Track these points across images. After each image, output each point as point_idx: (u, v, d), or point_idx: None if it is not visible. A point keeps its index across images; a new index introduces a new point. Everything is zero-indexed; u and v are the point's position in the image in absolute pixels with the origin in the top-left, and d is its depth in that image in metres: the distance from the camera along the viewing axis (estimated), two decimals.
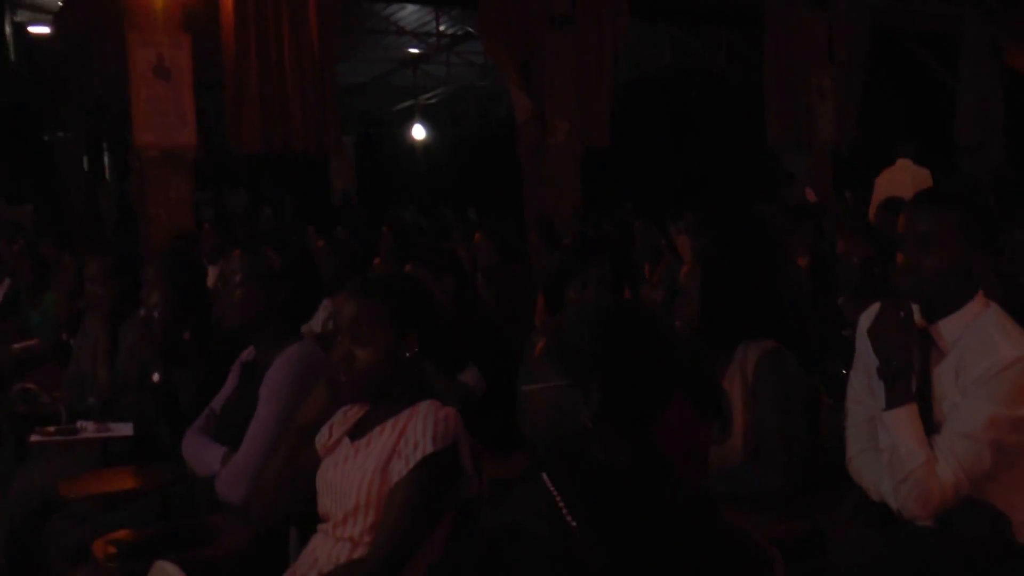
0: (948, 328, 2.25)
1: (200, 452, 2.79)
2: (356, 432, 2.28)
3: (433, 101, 18.94)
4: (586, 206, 10.99)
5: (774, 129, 11.22)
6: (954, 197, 2.29)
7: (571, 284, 3.17)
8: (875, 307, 2.34)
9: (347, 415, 2.35)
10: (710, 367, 2.63)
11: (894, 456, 2.18)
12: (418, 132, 19.09)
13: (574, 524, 1.32)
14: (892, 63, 11.88)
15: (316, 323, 4.36)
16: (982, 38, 11.56)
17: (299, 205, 16.18)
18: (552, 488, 1.36)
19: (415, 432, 2.15)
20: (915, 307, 2.27)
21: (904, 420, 2.18)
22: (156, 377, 3.04)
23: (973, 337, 2.20)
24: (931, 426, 2.20)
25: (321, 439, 2.35)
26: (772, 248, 4.46)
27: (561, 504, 1.33)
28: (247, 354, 2.91)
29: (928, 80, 12.52)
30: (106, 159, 15.45)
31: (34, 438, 3.27)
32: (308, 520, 2.33)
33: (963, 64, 11.88)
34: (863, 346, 2.37)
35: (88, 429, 3.27)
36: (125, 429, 3.23)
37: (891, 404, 2.20)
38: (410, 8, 13.74)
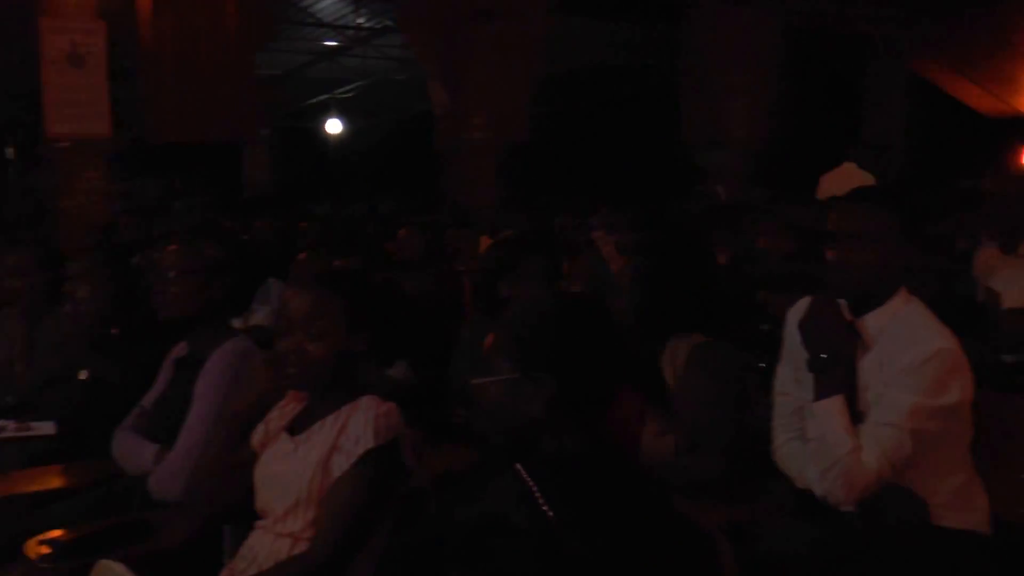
0: (873, 322, 2.35)
1: (132, 450, 2.74)
2: (295, 427, 2.28)
3: (350, 95, 18.75)
4: (508, 201, 11.03)
5: (689, 126, 11.43)
6: (883, 196, 2.41)
7: (505, 279, 3.20)
8: (803, 302, 2.44)
9: (284, 410, 2.34)
10: (656, 360, 2.70)
11: (822, 444, 2.27)
12: (334, 126, 18.89)
13: (550, 513, 1.35)
14: (808, 63, 12.19)
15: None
16: (890, 44, 11.97)
17: (213, 198, 15.86)
18: (527, 479, 1.39)
19: (356, 427, 2.15)
20: (842, 301, 2.37)
21: (833, 410, 2.27)
22: (84, 374, 2.97)
23: (897, 330, 2.31)
24: (856, 415, 2.29)
25: (257, 434, 2.34)
26: (702, 244, 4.57)
27: (537, 494, 1.37)
28: (179, 349, 2.87)
29: (840, 81, 12.89)
30: (8, 150, 14.89)
31: None
32: (244, 516, 2.32)
33: (870, 68, 12.29)
34: (791, 339, 2.46)
35: (8, 428, 3.17)
36: (47, 428, 3.15)
37: (821, 395, 2.29)
38: (328, 0, 13.61)
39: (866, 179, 8.56)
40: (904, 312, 2.34)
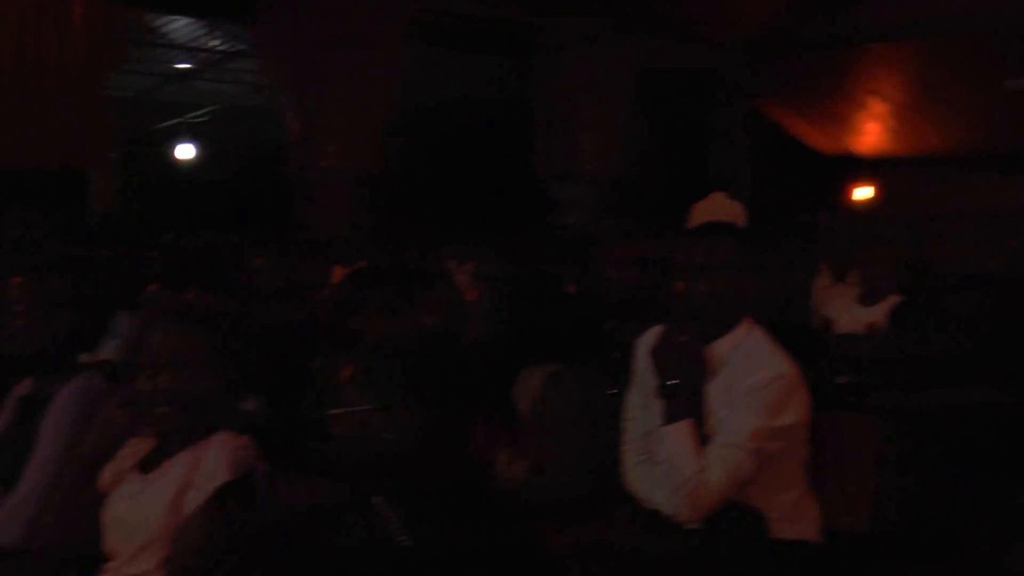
0: (719, 349, 2.48)
1: None
2: (146, 465, 2.23)
3: (203, 119, 18.30)
4: (363, 231, 10.97)
5: (543, 158, 11.67)
6: (728, 228, 2.56)
7: (358, 312, 3.21)
8: (653, 331, 2.56)
9: (135, 448, 2.29)
10: (508, 389, 2.76)
11: (671, 466, 2.38)
12: (185, 151, 18.39)
13: (406, 542, 1.38)
14: (658, 100, 12.63)
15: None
16: (734, 83, 12.57)
17: (56, 227, 15.11)
18: (383, 509, 1.42)
19: (210, 462, 2.13)
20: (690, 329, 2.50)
21: (681, 434, 2.39)
22: None
23: (741, 357, 2.45)
24: (703, 437, 2.41)
25: (107, 474, 2.28)
26: (554, 275, 4.69)
27: (392, 523, 1.40)
28: (24, 387, 2.75)
29: (688, 118, 13.41)
30: None
31: None
32: (91, 560, 2.24)
33: (716, 106, 12.87)
34: (641, 367, 2.57)
35: None
36: None
37: (670, 419, 2.41)
38: (181, 21, 13.25)
39: (735, 208, 8.91)
40: (748, 340, 2.48)
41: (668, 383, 2.42)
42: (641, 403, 2.58)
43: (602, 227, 9.02)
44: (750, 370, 2.39)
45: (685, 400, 2.41)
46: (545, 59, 11.67)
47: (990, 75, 14.04)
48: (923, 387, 3.63)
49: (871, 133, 13.62)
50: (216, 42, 14.02)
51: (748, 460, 2.35)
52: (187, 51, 14.32)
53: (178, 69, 15.36)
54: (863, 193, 14.04)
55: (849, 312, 4.71)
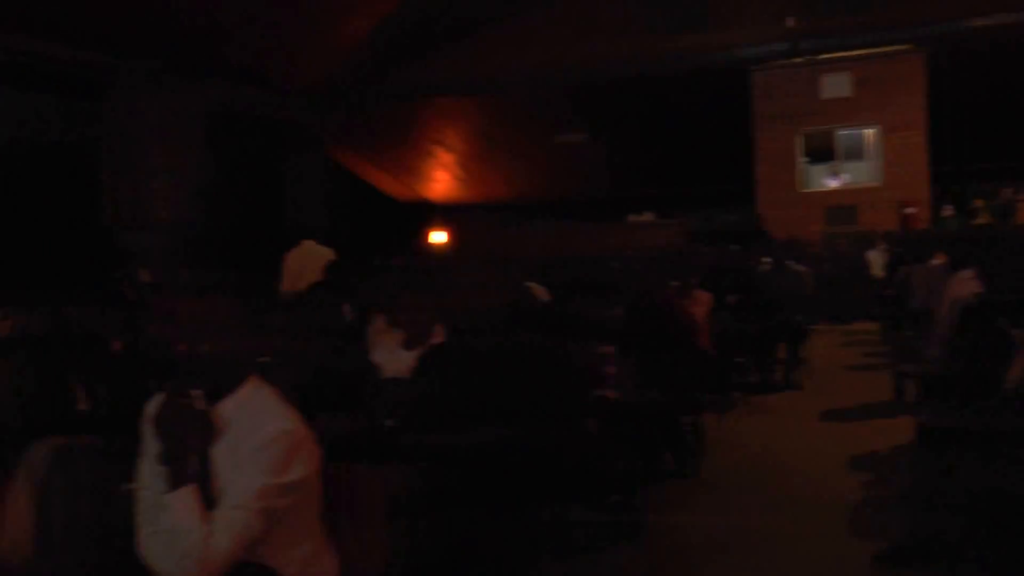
0: (225, 410, 2.51)
1: None
2: None
3: None
4: None
5: (113, 206, 11.09)
6: (220, 287, 2.60)
7: None
8: (158, 395, 2.53)
9: None
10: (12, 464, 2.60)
11: (176, 534, 2.36)
12: None
13: None
14: (233, 147, 12.48)
15: None
16: (307, 131, 12.78)
17: None
18: None
19: None
20: (199, 392, 2.50)
21: (184, 500, 2.37)
22: None
23: (246, 416, 2.49)
24: (210, 503, 2.42)
25: None
26: (94, 334, 4.47)
27: None
28: None
29: (264, 164, 13.41)
30: None
31: None
32: None
33: (290, 153, 13.00)
34: (147, 433, 2.54)
35: None
36: None
37: (172, 486, 2.39)
38: None
39: (325, 254, 8.95)
40: (253, 399, 2.53)
41: (169, 448, 2.41)
42: (150, 471, 2.54)
43: (167, 278, 8.73)
44: (254, 428, 2.44)
45: (187, 465, 2.41)
46: (111, 102, 11.11)
47: (543, 130, 15.57)
48: (447, 429, 3.91)
49: (441, 181, 14.50)
50: None
51: (256, 520, 2.38)
52: None
53: None
54: (437, 238, 14.86)
55: (394, 356, 4.93)
